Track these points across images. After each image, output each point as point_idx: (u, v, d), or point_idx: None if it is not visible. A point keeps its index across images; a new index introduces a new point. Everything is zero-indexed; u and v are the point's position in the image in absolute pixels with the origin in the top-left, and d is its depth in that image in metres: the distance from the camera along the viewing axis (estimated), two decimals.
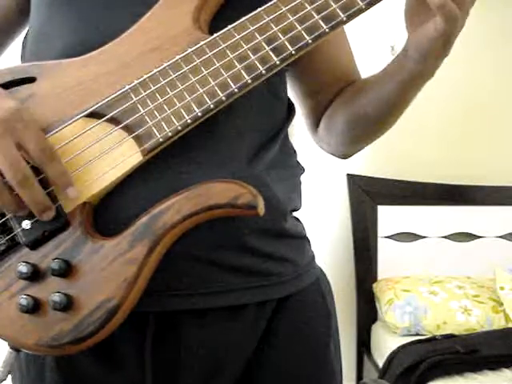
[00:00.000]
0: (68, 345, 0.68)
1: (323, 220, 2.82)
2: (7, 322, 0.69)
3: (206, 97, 0.70)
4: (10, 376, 0.73)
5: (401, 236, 2.81)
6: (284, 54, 0.71)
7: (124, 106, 0.71)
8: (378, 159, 2.78)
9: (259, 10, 0.72)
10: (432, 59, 0.75)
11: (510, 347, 2.26)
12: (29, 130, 0.67)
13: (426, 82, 0.79)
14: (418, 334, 2.49)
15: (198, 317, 0.78)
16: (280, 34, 0.71)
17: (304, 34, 0.70)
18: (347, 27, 0.80)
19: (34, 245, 0.70)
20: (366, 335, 2.77)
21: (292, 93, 0.94)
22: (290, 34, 0.71)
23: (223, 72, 0.71)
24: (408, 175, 2.82)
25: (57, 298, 0.67)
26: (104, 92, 0.72)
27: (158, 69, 0.72)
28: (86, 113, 0.71)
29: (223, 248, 0.77)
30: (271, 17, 0.71)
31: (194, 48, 0.72)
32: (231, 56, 0.71)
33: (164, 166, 0.73)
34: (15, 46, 0.94)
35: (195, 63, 0.71)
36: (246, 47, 0.71)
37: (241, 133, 0.79)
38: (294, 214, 0.88)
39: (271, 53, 0.71)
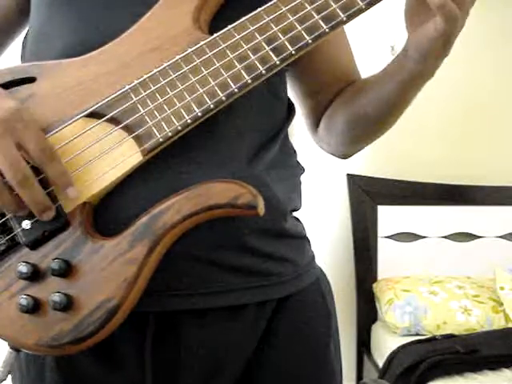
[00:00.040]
0: (68, 345, 0.68)
1: (323, 220, 2.82)
2: (7, 322, 0.69)
3: (205, 97, 0.70)
4: (10, 376, 0.73)
5: (401, 236, 2.81)
6: (284, 54, 0.71)
7: (124, 106, 0.71)
8: (378, 159, 2.78)
9: (259, 9, 0.72)
10: (432, 59, 0.75)
11: (510, 347, 2.26)
12: (29, 129, 0.67)
13: (426, 81, 0.79)
14: (418, 334, 2.49)
15: (198, 317, 0.78)
16: (280, 34, 0.71)
17: (304, 33, 0.70)
18: (347, 27, 0.80)
19: (34, 245, 0.70)
20: (366, 335, 2.77)
21: (292, 93, 0.94)
22: (290, 34, 0.71)
23: (223, 72, 0.71)
24: (408, 175, 2.82)
25: (57, 297, 0.67)
26: (104, 92, 0.72)
27: (158, 69, 0.71)
28: (86, 113, 0.71)
29: (223, 248, 0.77)
30: (271, 17, 0.71)
31: (194, 48, 0.72)
32: (231, 56, 0.71)
33: (164, 166, 0.73)
34: (15, 45, 0.94)
35: (195, 63, 0.71)
36: (245, 47, 0.71)
37: (241, 133, 0.79)
38: (294, 213, 0.88)
39: (271, 53, 0.71)
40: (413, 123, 2.38)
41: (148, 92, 0.71)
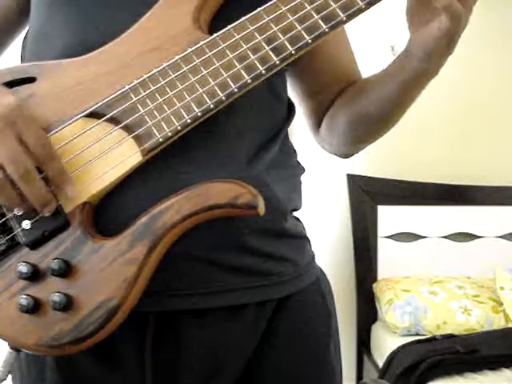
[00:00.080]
0: (68, 345, 0.68)
1: (323, 220, 2.82)
2: (7, 322, 0.69)
3: (205, 97, 0.70)
4: (10, 376, 0.73)
5: (401, 236, 2.81)
6: (284, 54, 0.71)
7: (124, 106, 0.71)
8: (378, 159, 2.77)
9: (259, 9, 0.72)
10: (436, 57, 0.75)
11: (510, 347, 2.26)
12: (29, 125, 0.68)
13: (431, 79, 0.79)
14: (417, 334, 2.49)
15: (198, 317, 0.78)
16: (280, 34, 0.71)
17: (304, 33, 0.70)
18: (347, 27, 0.80)
19: (34, 245, 0.70)
20: (366, 335, 2.77)
21: (293, 93, 0.94)
22: (290, 34, 0.71)
23: (223, 72, 0.71)
24: (408, 175, 2.82)
25: (57, 297, 0.67)
26: (104, 92, 0.72)
27: (158, 69, 0.71)
28: (85, 113, 0.71)
29: (223, 248, 0.77)
30: (271, 17, 0.71)
31: (193, 48, 0.72)
32: (231, 56, 0.71)
33: (164, 166, 0.73)
34: (15, 45, 0.94)
35: (195, 63, 0.71)
36: (245, 47, 0.71)
37: (241, 133, 0.79)
38: (294, 213, 0.88)
39: (271, 53, 0.71)
40: (413, 123, 2.37)
41: (148, 92, 0.71)
